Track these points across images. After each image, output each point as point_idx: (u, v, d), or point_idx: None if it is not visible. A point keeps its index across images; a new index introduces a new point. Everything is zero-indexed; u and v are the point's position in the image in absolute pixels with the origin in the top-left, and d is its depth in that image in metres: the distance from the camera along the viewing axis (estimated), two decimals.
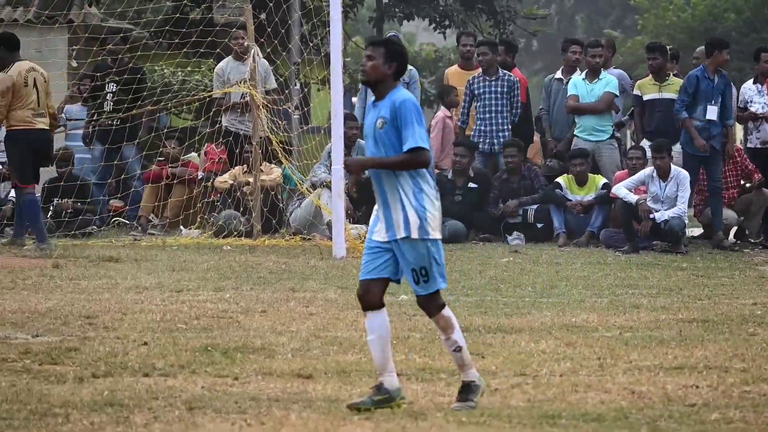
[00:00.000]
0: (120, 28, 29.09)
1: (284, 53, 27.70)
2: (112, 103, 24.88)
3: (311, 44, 26.71)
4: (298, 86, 27.82)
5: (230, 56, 24.79)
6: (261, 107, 23.42)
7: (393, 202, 9.67)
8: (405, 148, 9.62)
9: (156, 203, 24.38)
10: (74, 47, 29.03)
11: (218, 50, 25.62)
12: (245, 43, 24.27)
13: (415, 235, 9.63)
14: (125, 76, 24.96)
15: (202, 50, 26.29)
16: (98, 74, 25.18)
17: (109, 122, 24.74)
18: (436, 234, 9.66)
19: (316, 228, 23.23)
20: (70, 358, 12.35)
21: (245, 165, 24.05)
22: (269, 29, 25.14)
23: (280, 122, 24.30)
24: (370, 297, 9.77)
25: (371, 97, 10.00)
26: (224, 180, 24.14)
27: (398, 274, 9.87)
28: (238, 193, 24.02)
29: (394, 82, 9.83)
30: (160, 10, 30.28)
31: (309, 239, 22.88)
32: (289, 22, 27.38)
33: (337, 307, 15.75)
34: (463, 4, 40.47)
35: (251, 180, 23.71)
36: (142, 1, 29.92)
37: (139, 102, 24.97)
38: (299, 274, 18.81)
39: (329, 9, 22.49)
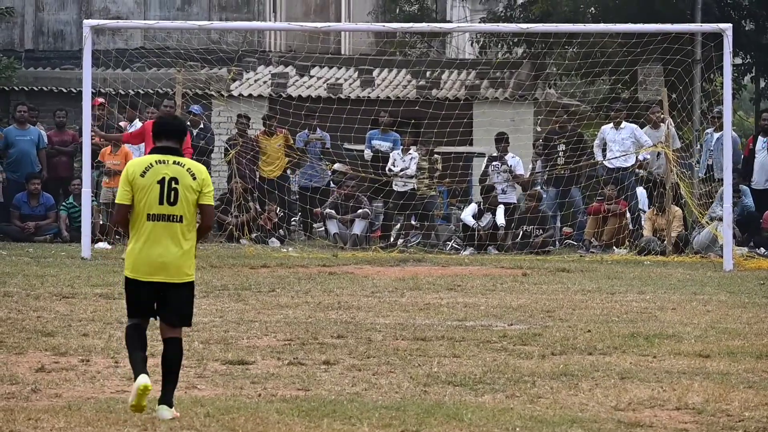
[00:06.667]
0: (570, 104, 29.15)
1: (689, 123, 27.02)
2: (563, 158, 24.65)
3: (708, 116, 25.47)
4: (698, 147, 25.81)
5: (648, 125, 24.07)
6: (671, 161, 22.89)
7: None
8: None
9: (596, 229, 23.94)
10: (538, 118, 28.95)
11: (642, 120, 24.77)
12: (661, 116, 23.58)
13: None
14: (572, 139, 24.51)
15: (627, 121, 24.50)
16: (554, 137, 24.92)
17: (561, 172, 24.39)
18: None
19: (711, 249, 22.50)
20: (535, 340, 12.52)
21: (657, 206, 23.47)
22: (678, 105, 24.39)
23: (685, 171, 23.60)
24: None
25: None
26: (651, 214, 23.68)
27: None
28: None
29: None
30: (600, 91, 29.75)
31: (706, 257, 22.35)
32: (693, 101, 26.84)
33: (727, 306, 15.54)
34: None
35: (662, 217, 23.13)
36: (587, 84, 29.58)
37: (583, 157, 24.55)
38: (699, 282, 18.52)
39: (722, 92, 22.32)
